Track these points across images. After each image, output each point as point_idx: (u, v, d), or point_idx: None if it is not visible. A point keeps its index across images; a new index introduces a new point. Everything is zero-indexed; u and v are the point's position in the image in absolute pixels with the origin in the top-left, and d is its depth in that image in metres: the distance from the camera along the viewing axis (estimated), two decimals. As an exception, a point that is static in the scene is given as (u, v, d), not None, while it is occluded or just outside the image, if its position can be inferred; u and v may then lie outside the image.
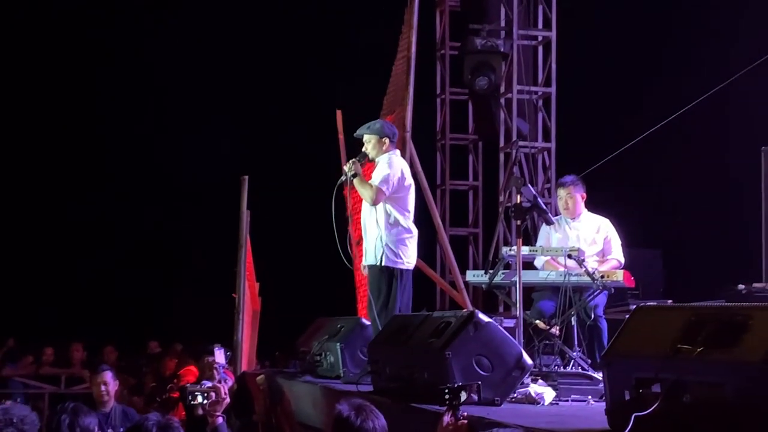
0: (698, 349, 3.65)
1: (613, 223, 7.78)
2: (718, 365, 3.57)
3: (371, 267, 7.19)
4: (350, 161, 7.30)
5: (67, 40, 15.24)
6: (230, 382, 8.34)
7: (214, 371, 8.17)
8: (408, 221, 7.17)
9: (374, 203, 7.12)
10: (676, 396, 3.66)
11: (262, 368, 10.60)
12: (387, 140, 7.25)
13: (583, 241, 7.54)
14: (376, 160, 7.26)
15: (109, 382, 7.34)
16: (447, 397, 4.20)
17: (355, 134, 7.61)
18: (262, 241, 11.08)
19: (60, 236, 15.71)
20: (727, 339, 3.61)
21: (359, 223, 7.77)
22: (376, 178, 7.11)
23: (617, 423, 3.88)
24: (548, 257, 7.44)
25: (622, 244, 7.75)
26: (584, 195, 7.78)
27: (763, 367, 3.40)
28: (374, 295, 7.12)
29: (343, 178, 7.33)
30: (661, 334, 3.89)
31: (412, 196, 7.26)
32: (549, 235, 7.70)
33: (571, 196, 7.66)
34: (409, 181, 7.25)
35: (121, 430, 7.08)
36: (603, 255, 7.62)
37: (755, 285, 9.15)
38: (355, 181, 7.14)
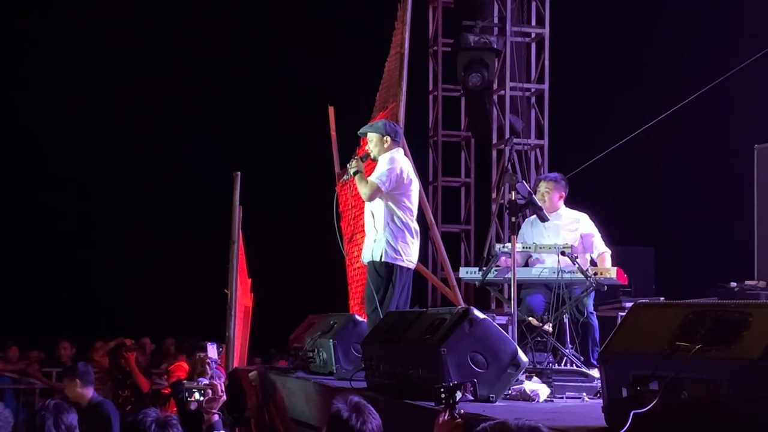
0: (696, 347, 3.64)
1: (591, 217, 7.73)
2: (716, 362, 3.57)
3: (370, 263, 7.14)
4: (354, 159, 7.28)
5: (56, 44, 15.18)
6: (222, 379, 8.31)
7: (207, 367, 8.12)
8: (410, 219, 7.10)
9: (369, 199, 7.07)
10: (674, 393, 3.65)
11: (254, 365, 10.58)
12: (389, 138, 7.19)
13: (562, 237, 7.49)
14: (378, 158, 7.22)
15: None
16: (443, 396, 4.18)
17: (358, 132, 7.60)
18: (255, 237, 11.06)
19: (48, 233, 15.64)
20: (725, 336, 3.61)
21: (350, 219, 7.70)
22: (374, 174, 7.07)
23: (615, 420, 3.87)
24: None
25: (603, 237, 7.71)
26: (563, 195, 7.74)
27: (760, 365, 3.40)
28: (371, 291, 7.07)
29: (346, 177, 7.32)
30: (659, 331, 3.88)
31: (414, 195, 7.18)
32: (524, 233, 7.66)
33: (548, 191, 7.64)
34: (411, 178, 7.17)
35: None
36: (583, 251, 7.58)
37: (747, 282, 9.18)
38: (356, 178, 7.12)
